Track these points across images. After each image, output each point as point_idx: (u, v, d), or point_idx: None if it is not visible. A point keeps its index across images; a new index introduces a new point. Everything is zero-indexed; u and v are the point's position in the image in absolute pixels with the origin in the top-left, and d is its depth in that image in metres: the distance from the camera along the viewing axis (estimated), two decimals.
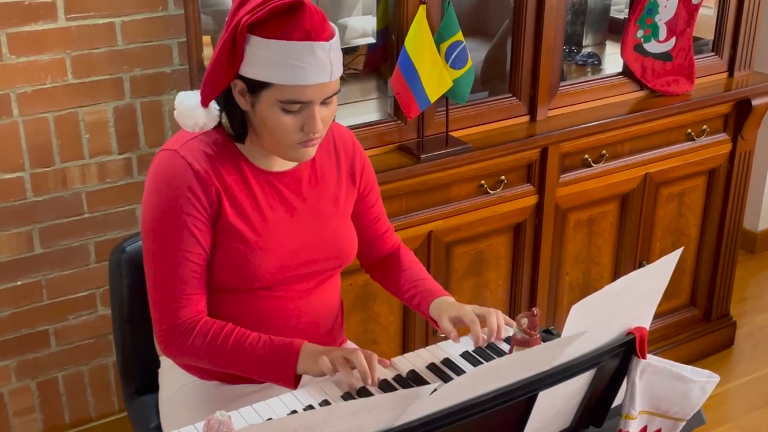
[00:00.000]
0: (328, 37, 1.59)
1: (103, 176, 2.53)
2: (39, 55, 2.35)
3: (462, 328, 1.75)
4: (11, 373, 2.59)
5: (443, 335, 1.76)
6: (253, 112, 1.65)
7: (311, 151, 1.69)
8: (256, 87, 1.61)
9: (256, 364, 1.68)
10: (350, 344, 2.01)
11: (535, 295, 2.78)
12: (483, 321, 1.73)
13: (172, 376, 1.87)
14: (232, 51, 1.58)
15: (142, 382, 2.02)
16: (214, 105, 1.68)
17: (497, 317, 1.73)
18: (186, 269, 1.68)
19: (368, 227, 1.92)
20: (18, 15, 2.29)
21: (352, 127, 2.32)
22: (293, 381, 1.67)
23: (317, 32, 1.57)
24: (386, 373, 1.71)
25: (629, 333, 1.41)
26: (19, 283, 2.52)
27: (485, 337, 1.72)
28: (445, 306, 1.79)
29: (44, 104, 2.40)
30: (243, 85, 1.63)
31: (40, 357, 2.62)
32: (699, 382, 1.46)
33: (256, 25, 1.57)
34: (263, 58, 1.57)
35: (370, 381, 1.63)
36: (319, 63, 1.58)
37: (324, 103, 1.63)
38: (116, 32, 2.42)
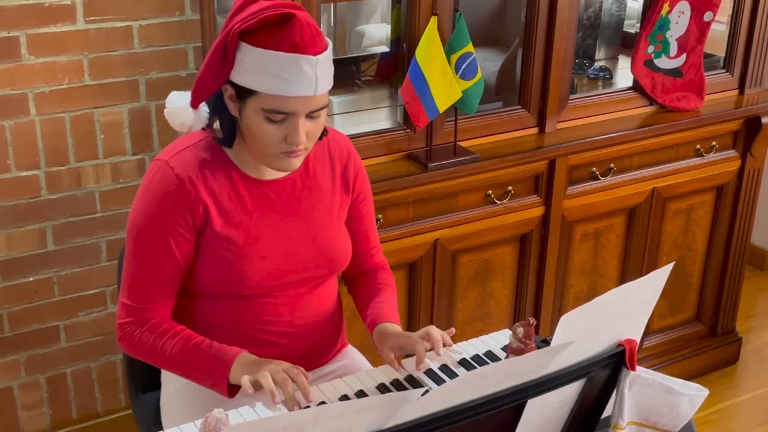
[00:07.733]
0: (318, 51, 1.60)
1: (117, 176, 2.58)
2: (57, 56, 2.40)
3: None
4: (21, 367, 2.64)
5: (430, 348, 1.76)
6: (240, 118, 1.67)
7: (295, 162, 1.69)
8: (243, 93, 1.63)
9: (193, 369, 1.71)
10: (348, 352, 2.01)
11: (540, 306, 2.80)
12: (426, 339, 1.74)
13: (173, 376, 1.88)
14: (223, 56, 1.61)
15: (146, 380, 2.06)
16: (203, 107, 1.70)
17: (436, 330, 1.75)
18: (157, 278, 1.71)
19: (355, 237, 1.90)
20: (37, 16, 2.34)
21: (362, 135, 2.35)
22: (226, 390, 1.68)
23: (306, 46, 1.58)
24: (390, 374, 1.74)
25: (619, 345, 1.43)
26: (31, 279, 2.57)
27: (436, 352, 1.73)
28: (386, 333, 1.80)
29: (61, 104, 2.45)
30: (233, 90, 1.65)
31: (49, 352, 2.66)
32: (688, 395, 1.48)
33: (248, 32, 1.59)
34: (251, 65, 1.59)
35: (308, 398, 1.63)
36: (304, 76, 1.58)
37: (310, 116, 1.64)
38: (133, 35, 2.47)
